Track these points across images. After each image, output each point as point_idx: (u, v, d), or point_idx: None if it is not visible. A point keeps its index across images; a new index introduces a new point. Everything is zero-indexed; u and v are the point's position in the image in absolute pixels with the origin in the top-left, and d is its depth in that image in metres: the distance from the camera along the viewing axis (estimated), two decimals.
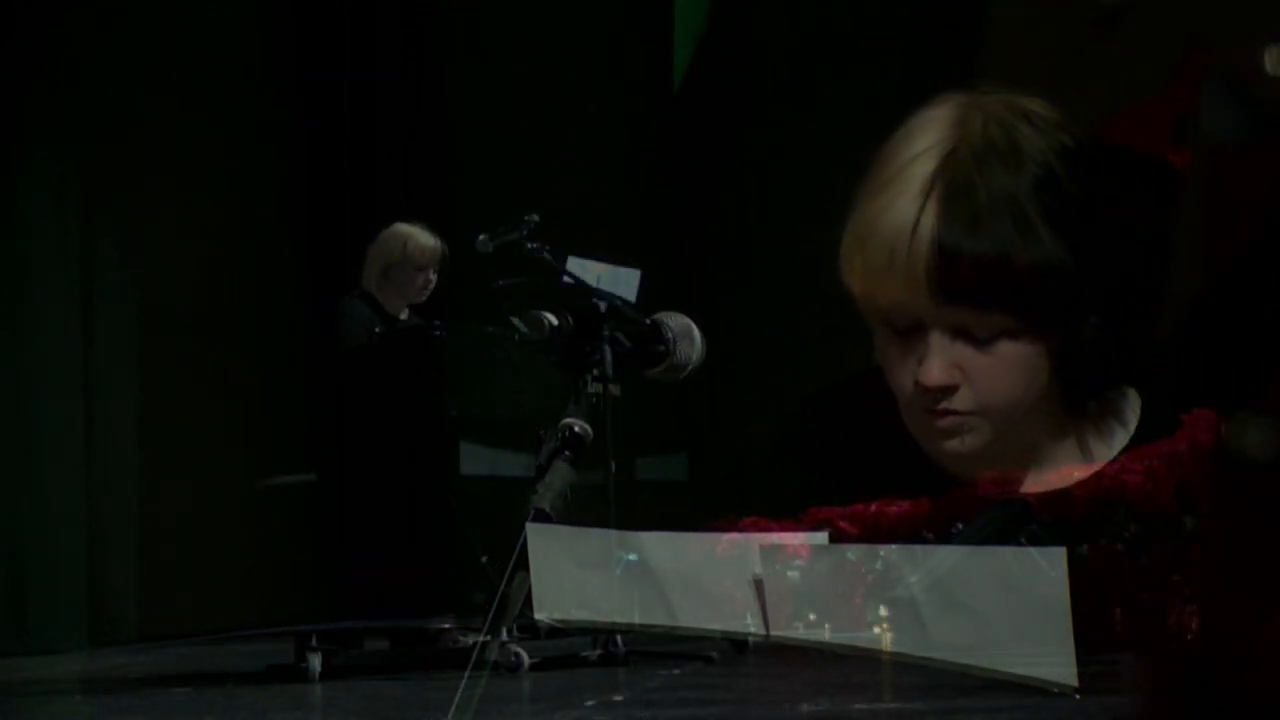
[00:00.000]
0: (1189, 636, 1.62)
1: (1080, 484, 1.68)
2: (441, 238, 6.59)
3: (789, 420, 8.65)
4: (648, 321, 2.87)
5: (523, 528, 1.71)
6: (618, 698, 4.57)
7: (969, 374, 1.64)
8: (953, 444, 1.67)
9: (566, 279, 5.94)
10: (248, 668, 6.13)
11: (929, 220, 1.61)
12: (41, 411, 7.69)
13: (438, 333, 6.24)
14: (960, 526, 1.72)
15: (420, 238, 6.52)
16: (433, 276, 6.53)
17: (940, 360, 1.64)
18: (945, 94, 1.69)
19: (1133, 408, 1.71)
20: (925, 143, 1.65)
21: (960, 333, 1.63)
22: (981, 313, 1.61)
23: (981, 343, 1.63)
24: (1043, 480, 1.70)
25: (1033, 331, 1.62)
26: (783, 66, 8.96)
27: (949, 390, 1.64)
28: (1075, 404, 1.68)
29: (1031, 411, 1.67)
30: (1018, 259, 1.59)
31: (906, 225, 1.62)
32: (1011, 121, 1.64)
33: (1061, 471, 1.69)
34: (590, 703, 4.41)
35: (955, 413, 1.65)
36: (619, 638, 5.55)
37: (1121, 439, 1.70)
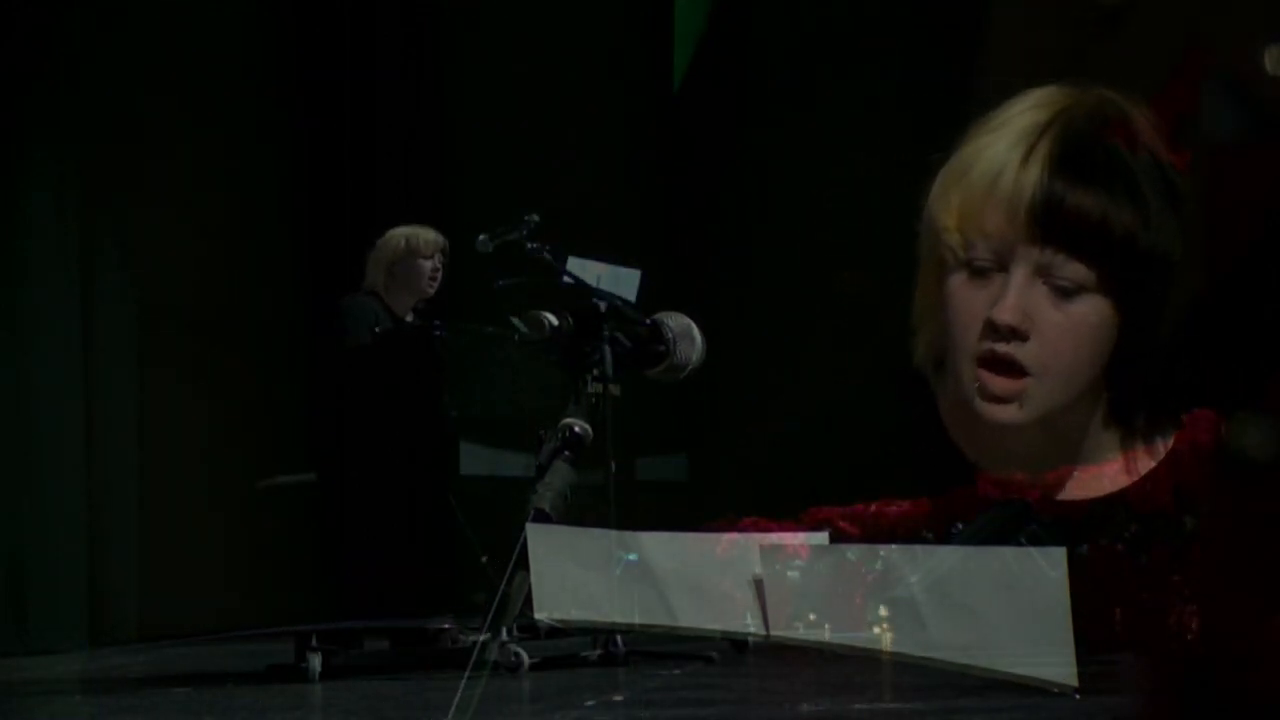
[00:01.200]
0: (1189, 636, 1.61)
1: (1080, 484, 1.68)
2: (447, 241, 6.61)
3: (790, 420, 8.65)
4: (648, 321, 2.86)
5: (523, 528, 1.70)
6: (618, 698, 4.57)
7: (1039, 327, 1.62)
8: (1004, 411, 1.65)
9: (566, 279, 5.94)
10: (248, 668, 6.13)
11: (1040, 155, 1.60)
12: (41, 411, 7.69)
13: (438, 333, 6.24)
14: (960, 526, 1.72)
15: (421, 231, 6.55)
16: (439, 264, 6.54)
17: (1018, 300, 1.62)
18: (1044, 88, 1.67)
19: (1174, 423, 1.70)
20: (1034, 101, 1.64)
21: (1044, 275, 1.62)
22: (1072, 259, 1.60)
23: (1060, 293, 1.61)
24: (1087, 484, 1.68)
25: (1109, 301, 1.61)
26: (783, 66, 8.95)
27: (1017, 335, 1.62)
28: (1126, 413, 1.67)
29: (1081, 404, 1.65)
30: (1119, 214, 1.58)
31: (1015, 157, 1.61)
32: (1128, 109, 1.64)
33: (1105, 475, 1.68)
34: (590, 703, 4.41)
35: (1014, 370, 1.63)
36: (619, 638, 5.55)
37: (1162, 451, 1.70)
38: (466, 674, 2.24)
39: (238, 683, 5.68)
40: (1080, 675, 1.53)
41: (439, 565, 6.53)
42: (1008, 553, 1.57)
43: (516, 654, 5.37)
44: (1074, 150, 1.60)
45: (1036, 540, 1.60)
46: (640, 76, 9.27)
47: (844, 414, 8.18)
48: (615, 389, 4.99)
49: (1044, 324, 1.62)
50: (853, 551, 1.64)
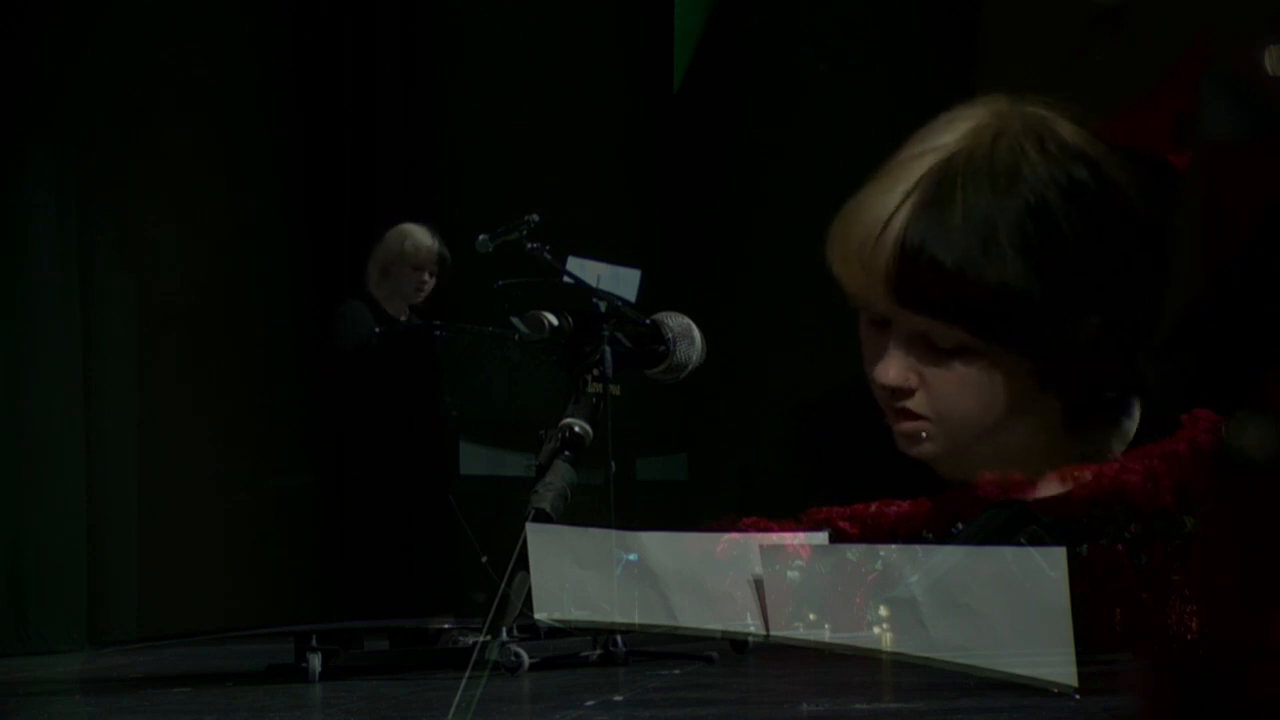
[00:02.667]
0: (1189, 636, 1.62)
1: (1080, 484, 1.68)
2: (443, 241, 6.59)
3: (790, 420, 8.65)
4: (648, 321, 2.86)
5: (523, 528, 1.70)
6: (618, 698, 4.57)
7: (926, 382, 1.64)
8: (915, 450, 1.68)
9: (566, 279, 5.94)
10: (248, 668, 6.13)
11: (900, 219, 1.60)
12: (41, 411, 7.69)
13: (437, 333, 6.24)
14: (960, 526, 1.72)
15: (419, 236, 6.53)
16: (428, 278, 6.52)
17: (898, 362, 1.63)
18: (989, 97, 1.67)
19: (1134, 416, 1.71)
20: (935, 142, 1.64)
21: (921, 338, 1.62)
22: (939, 322, 1.61)
23: (941, 354, 1.62)
24: (1042, 487, 1.69)
25: (993, 353, 1.61)
26: (783, 66, 8.95)
27: (904, 392, 1.64)
28: (1076, 416, 1.67)
29: (1008, 433, 1.66)
30: (976, 277, 1.57)
31: (880, 219, 1.61)
32: (1023, 142, 1.62)
33: (1059, 477, 1.69)
34: (590, 703, 4.40)
35: (911, 416, 1.65)
36: (619, 638, 5.55)
37: (1119, 448, 1.70)
38: (466, 674, 2.24)
39: (238, 683, 5.68)
40: (1080, 675, 1.53)
41: (439, 565, 6.52)
42: (1008, 553, 1.57)
43: (516, 654, 5.37)
44: (936, 212, 1.59)
45: (1036, 540, 1.60)
46: (640, 76, 9.27)
47: (843, 413, 8.17)
48: (615, 389, 4.99)
49: (930, 378, 1.64)
50: (853, 551, 1.64)
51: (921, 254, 1.58)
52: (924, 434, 1.65)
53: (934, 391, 1.63)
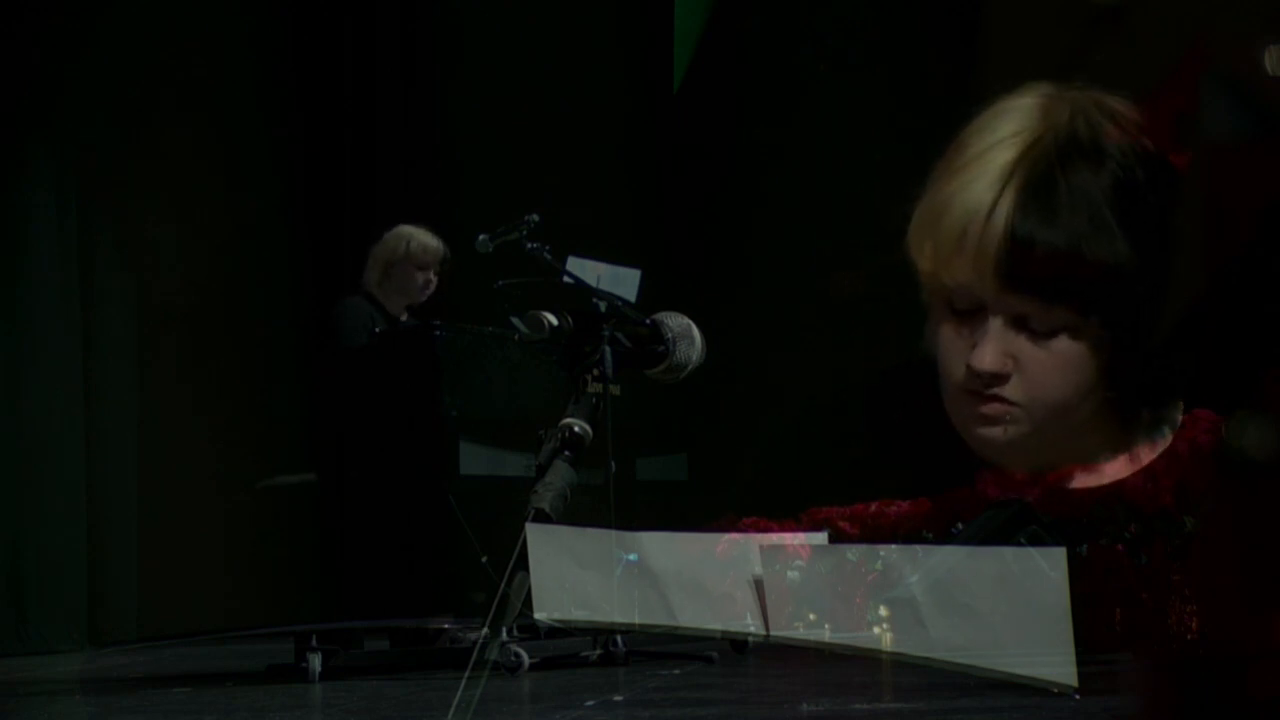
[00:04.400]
0: (1189, 636, 1.62)
1: (1081, 479, 1.68)
2: (445, 241, 6.59)
3: (790, 420, 8.65)
4: (648, 321, 2.86)
5: (523, 528, 1.71)
6: (618, 698, 4.57)
7: (1022, 365, 1.63)
8: (993, 431, 1.66)
9: (566, 279, 5.94)
10: (248, 668, 6.13)
11: (1005, 206, 1.60)
12: (41, 411, 7.69)
13: (437, 333, 6.24)
14: (960, 526, 1.73)
15: (423, 237, 6.53)
16: (433, 278, 6.53)
17: (995, 347, 1.63)
18: (1030, 84, 1.68)
19: (1179, 401, 1.71)
20: (1009, 129, 1.64)
21: (1020, 323, 1.63)
22: (1045, 305, 1.61)
23: (1039, 335, 1.63)
24: (1089, 479, 1.69)
25: (1091, 332, 1.61)
26: (783, 66, 8.95)
27: (1000, 378, 1.64)
28: (1129, 411, 1.67)
29: (1079, 414, 1.66)
30: (1090, 255, 1.58)
31: (982, 208, 1.61)
32: (1098, 118, 1.63)
33: (1107, 473, 1.69)
34: (590, 703, 4.40)
35: (1001, 400, 1.64)
36: (619, 638, 5.55)
37: (1169, 432, 1.70)
38: (466, 674, 2.24)
39: (238, 683, 5.68)
40: (1080, 675, 1.53)
41: (439, 565, 6.52)
42: (1008, 553, 1.57)
43: (516, 654, 5.37)
44: (1042, 196, 1.60)
45: (1036, 540, 1.60)
46: (640, 76, 9.27)
47: (843, 414, 8.17)
48: (615, 389, 4.98)
49: (1026, 362, 1.64)
50: (853, 551, 1.64)
51: (1035, 237, 1.59)
52: (1009, 416, 1.65)
53: (1029, 375, 1.63)
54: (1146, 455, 1.70)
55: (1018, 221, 1.60)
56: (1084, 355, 1.63)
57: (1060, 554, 1.53)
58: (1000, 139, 1.64)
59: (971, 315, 1.64)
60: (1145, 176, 1.61)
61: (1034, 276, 1.59)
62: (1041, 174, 1.61)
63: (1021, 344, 1.63)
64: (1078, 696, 1.53)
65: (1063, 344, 1.62)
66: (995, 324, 1.63)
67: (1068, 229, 1.59)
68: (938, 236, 1.64)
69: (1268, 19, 1.67)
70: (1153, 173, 1.62)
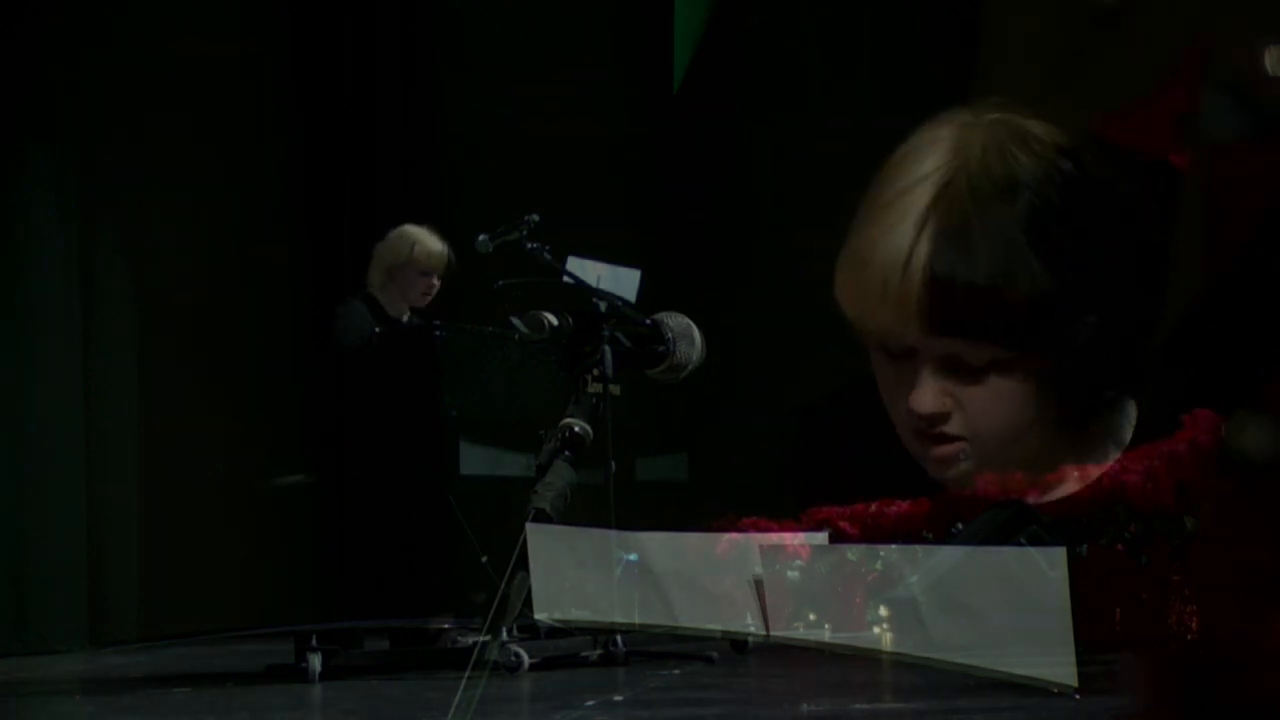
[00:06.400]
0: (1189, 636, 1.62)
1: (1091, 484, 1.68)
2: (449, 243, 6.58)
3: (790, 420, 8.65)
4: (648, 321, 2.86)
5: (523, 528, 1.71)
6: (618, 698, 4.57)
7: (960, 402, 1.65)
8: (950, 474, 1.68)
9: (566, 279, 5.94)
10: (248, 668, 6.14)
11: (923, 251, 1.61)
12: (41, 411, 7.69)
13: (438, 333, 6.24)
14: (960, 526, 1.73)
15: (428, 242, 6.51)
16: (436, 282, 6.52)
17: (931, 389, 1.65)
18: (947, 112, 1.69)
19: (1130, 422, 1.72)
20: (924, 169, 1.65)
21: (952, 361, 1.64)
22: (972, 343, 1.62)
23: (973, 372, 1.64)
24: (1059, 488, 1.70)
25: (1023, 364, 1.62)
26: (783, 66, 8.96)
27: (941, 417, 1.65)
28: (1074, 423, 1.68)
29: (1030, 441, 1.67)
30: (1009, 290, 1.59)
31: (900, 255, 1.62)
32: (1009, 148, 1.64)
33: (1059, 484, 1.69)
34: (590, 703, 4.40)
35: (948, 439, 1.66)
36: (619, 638, 5.55)
37: (1115, 455, 1.71)
38: (466, 674, 2.24)
39: (238, 683, 5.68)
40: (1080, 675, 1.53)
41: (439, 565, 6.52)
42: (1008, 553, 1.57)
43: (516, 654, 5.37)
44: (957, 238, 1.61)
45: (1036, 540, 1.60)
46: (640, 76, 9.27)
47: (843, 414, 8.17)
48: (615, 389, 4.98)
49: (964, 399, 1.65)
50: (853, 551, 1.64)
51: (954, 279, 1.60)
52: (961, 455, 1.66)
53: (970, 411, 1.65)
54: (1094, 466, 1.71)
55: (935, 264, 1.61)
56: (1018, 388, 1.64)
57: (1060, 554, 1.54)
58: (915, 180, 1.65)
59: (904, 358, 1.66)
60: (1062, 201, 1.62)
61: (956, 318, 1.61)
62: (956, 216, 1.62)
63: (956, 383, 1.65)
64: (1078, 696, 1.53)
65: (996, 378, 1.64)
66: (928, 367, 1.65)
67: (985, 268, 1.60)
68: (860, 285, 1.66)
69: (1268, 19, 1.67)
70: (1072, 194, 1.62)
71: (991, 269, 1.59)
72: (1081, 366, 1.63)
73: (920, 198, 1.63)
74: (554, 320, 3.72)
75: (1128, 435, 1.71)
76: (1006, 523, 1.66)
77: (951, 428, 1.65)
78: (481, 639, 4.90)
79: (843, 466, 7.64)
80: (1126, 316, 1.64)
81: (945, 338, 1.62)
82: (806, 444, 8.48)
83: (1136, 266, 1.65)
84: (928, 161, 1.65)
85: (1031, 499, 1.68)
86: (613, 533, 1.69)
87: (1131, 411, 1.71)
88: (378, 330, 6.35)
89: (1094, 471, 1.69)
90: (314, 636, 5.68)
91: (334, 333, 6.40)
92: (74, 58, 7.90)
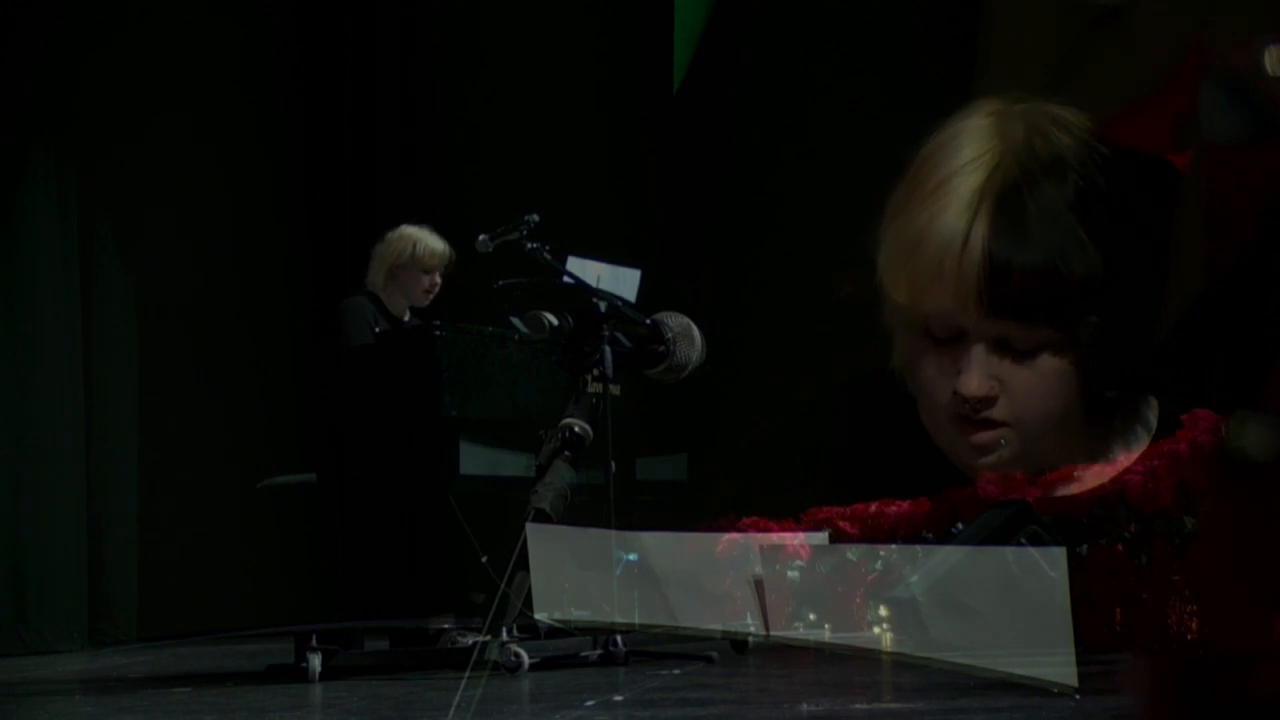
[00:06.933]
0: (1189, 636, 1.62)
1: (1080, 484, 1.68)
2: (449, 242, 6.59)
3: (790, 420, 8.65)
4: (648, 321, 2.87)
5: (523, 528, 1.71)
6: (618, 698, 4.57)
7: (1007, 386, 1.65)
8: (988, 460, 1.68)
9: (566, 279, 5.94)
10: (248, 668, 6.13)
11: (980, 232, 1.61)
12: (41, 411, 7.69)
13: (437, 333, 6.24)
14: (960, 526, 1.73)
15: (430, 241, 6.51)
16: (438, 280, 6.53)
17: (981, 372, 1.64)
18: (974, 104, 1.68)
19: (1154, 414, 1.72)
20: (970, 154, 1.65)
21: (1002, 345, 1.64)
22: (1026, 325, 1.62)
23: (1022, 356, 1.64)
24: (1072, 487, 1.70)
25: (1070, 344, 1.62)
26: (783, 66, 8.95)
27: (987, 401, 1.65)
28: (1102, 413, 1.68)
29: (1065, 425, 1.67)
30: (1066, 271, 1.59)
31: (957, 237, 1.62)
32: (1050, 130, 1.64)
33: (1084, 476, 1.69)
34: (590, 703, 4.40)
35: (991, 425, 1.65)
36: (619, 638, 5.55)
37: (1142, 445, 1.71)
38: (466, 674, 2.24)
39: (238, 683, 5.68)
40: (1080, 675, 1.53)
41: (439, 565, 6.52)
42: (1008, 553, 1.57)
43: (516, 654, 5.37)
44: (1014, 218, 1.61)
45: (1036, 540, 1.61)
46: (640, 76, 9.27)
47: (843, 414, 8.17)
48: (615, 389, 4.98)
49: (1012, 383, 1.65)
50: (853, 551, 1.65)
51: (1013, 260, 1.60)
52: (1002, 441, 1.66)
53: (1016, 395, 1.65)
54: (1121, 456, 1.71)
55: (994, 246, 1.61)
56: (1066, 369, 1.64)
57: (1060, 554, 1.54)
58: (962, 164, 1.65)
59: (952, 342, 1.66)
60: (1107, 181, 1.62)
61: (1014, 299, 1.60)
62: (1009, 196, 1.62)
63: (1005, 366, 1.64)
64: (1078, 696, 1.53)
65: (1045, 361, 1.64)
66: (978, 349, 1.65)
67: (1043, 248, 1.60)
68: (914, 268, 1.66)
69: (1268, 19, 1.67)
70: (1113, 176, 1.63)
71: (1048, 249, 1.59)
72: (1116, 351, 1.64)
73: (969, 181, 1.63)
74: (554, 320, 3.74)
75: (1153, 424, 1.71)
76: (1006, 523, 1.66)
77: (996, 412, 1.65)
78: (481, 639, 4.91)
79: (843, 466, 7.65)
80: (1146, 301, 1.65)
81: (1000, 319, 1.61)
82: (806, 444, 8.47)
83: (1150, 255, 1.65)
84: (970, 147, 1.65)
85: (1061, 491, 1.68)
86: (613, 533, 1.69)
87: (1154, 403, 1.71)
88: (377, 330, 6.35)
89: (1123, 462, 1.69)
90: (314, 636, 5.67)
91: (340, 331, 6.40)
92: (74, 58, 7.90)
